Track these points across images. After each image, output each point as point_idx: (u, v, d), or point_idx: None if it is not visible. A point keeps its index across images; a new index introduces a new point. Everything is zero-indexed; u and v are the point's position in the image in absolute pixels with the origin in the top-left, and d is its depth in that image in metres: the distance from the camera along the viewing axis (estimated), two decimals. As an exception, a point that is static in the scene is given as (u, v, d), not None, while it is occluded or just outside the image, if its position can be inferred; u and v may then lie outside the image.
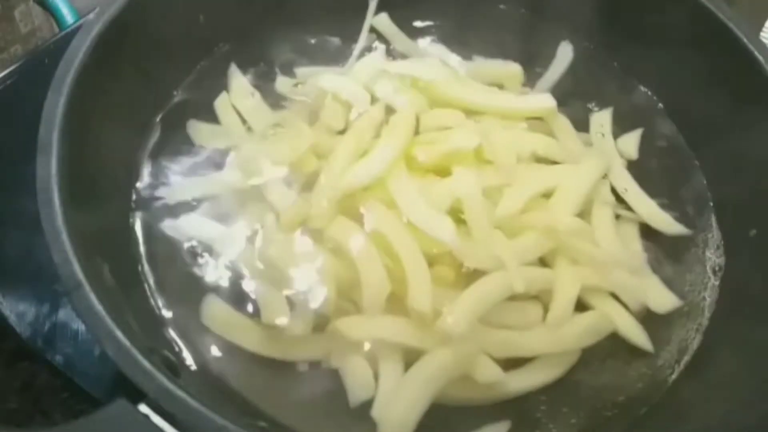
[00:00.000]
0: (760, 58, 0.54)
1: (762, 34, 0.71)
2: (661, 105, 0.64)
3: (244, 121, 0.59)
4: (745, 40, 0.55)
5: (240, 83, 0.61)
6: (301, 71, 0.62)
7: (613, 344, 0.51)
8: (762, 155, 0.55)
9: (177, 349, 0.48)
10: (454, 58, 0.64)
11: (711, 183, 0.60)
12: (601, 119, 0.62)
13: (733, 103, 0.57)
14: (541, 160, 0.57)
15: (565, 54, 0.65)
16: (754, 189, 0.55)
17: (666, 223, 0.57)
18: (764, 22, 0.72)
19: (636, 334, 0.51)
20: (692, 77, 0.59)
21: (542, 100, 0.59)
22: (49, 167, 0.45)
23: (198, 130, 0.58)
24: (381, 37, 0.65)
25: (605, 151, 0.59)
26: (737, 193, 0.57)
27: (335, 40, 0.65)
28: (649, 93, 0.64)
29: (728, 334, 0.52)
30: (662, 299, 0.53)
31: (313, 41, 0.65)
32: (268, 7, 0.63)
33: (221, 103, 0.60)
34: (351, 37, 0.64)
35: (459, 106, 0.57)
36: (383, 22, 0.65)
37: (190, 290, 0.51)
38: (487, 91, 0.60)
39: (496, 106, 0.58)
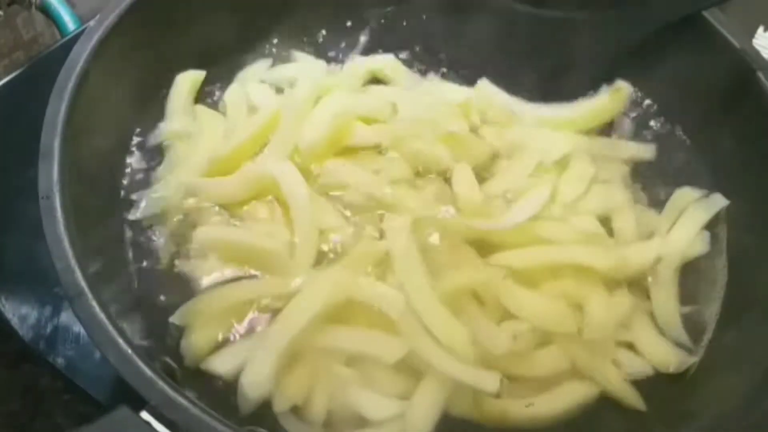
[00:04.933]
0: (753, 64, 0.55)
1: (754, 40, 0.72)
2: (656, 107, 0.63)
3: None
4: (737, 47, 0.55)
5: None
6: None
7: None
8: (760, 159, 0.55)
9: (178, 355, 0.48)
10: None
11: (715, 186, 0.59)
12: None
13: (726, 109, 0.57)
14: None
15: None
16: (759, 195, 0.55)
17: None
18: (756, 28, 0.73)
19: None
20: (685, 82, 0.60)
21: (644, 150, 0.61)
22: (51, 173, 0.45)
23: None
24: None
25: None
26: (743, 198, 0.57)
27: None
28: (641, 94, 0.63)
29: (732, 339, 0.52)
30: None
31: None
32: (268, 16, 0.64)
33: (232, 94, 0.61)
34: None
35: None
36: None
37: (189, 297, 0.50)
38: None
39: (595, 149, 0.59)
